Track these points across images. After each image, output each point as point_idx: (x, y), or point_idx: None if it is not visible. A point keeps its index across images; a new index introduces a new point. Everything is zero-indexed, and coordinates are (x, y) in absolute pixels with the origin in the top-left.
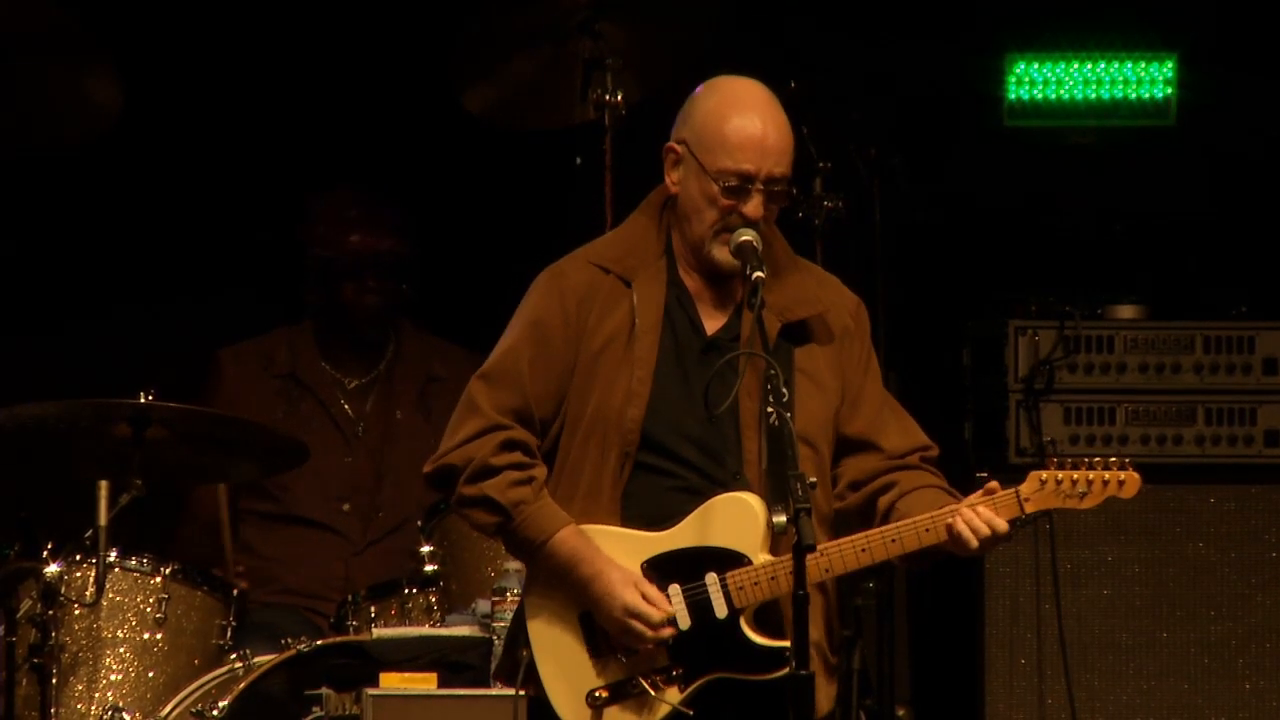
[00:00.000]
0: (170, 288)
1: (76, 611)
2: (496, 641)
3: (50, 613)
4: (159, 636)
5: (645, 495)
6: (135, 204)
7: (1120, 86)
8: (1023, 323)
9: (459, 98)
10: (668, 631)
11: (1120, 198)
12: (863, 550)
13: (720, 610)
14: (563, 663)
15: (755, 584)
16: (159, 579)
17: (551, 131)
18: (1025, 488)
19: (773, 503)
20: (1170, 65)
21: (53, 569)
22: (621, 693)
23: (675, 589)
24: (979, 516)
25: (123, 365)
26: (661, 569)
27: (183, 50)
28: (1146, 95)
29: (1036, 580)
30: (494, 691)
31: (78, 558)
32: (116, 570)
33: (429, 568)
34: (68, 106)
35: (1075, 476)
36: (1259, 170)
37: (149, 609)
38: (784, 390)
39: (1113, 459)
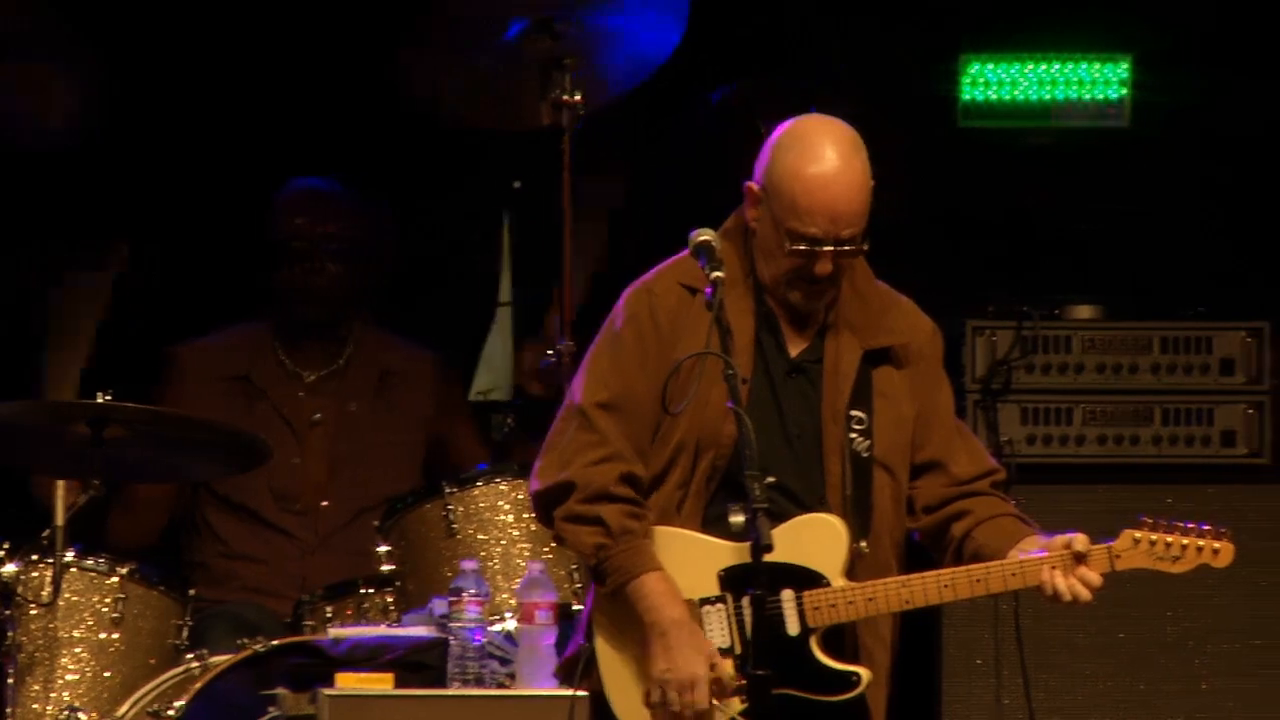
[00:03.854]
0: (127, 286)
1: (33, 611)
2: (453, 642)
3: (6, 612)
4: (115, 636)
5: (726, 511)
6: (94, 205)
7: (1075, 88)
8: (980, 323)
9: (410, 93)
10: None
11: (1076, 199)
12: (946, 586)
13: (793, 627)
14: (627, 660)
15: (832, 606)
16: (115, 579)
17: (509, 133)
18: (1119, 545)
19: (856, 530)
20: (1125, 66)
21: (9, 569)
22: None
23: (747, 601)
24: (1080, 580)
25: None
26: (737, 579)
27: (143, 50)
28: (1101, 96)
29: None
30: (451, 692)
31: (34, 557)
32: (73, 570)
33: (386, 567)
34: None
35: (1170, 540)
36: (1214, 171)
37: (105, 609)
38: (740, 388)
39: (1207, 527)
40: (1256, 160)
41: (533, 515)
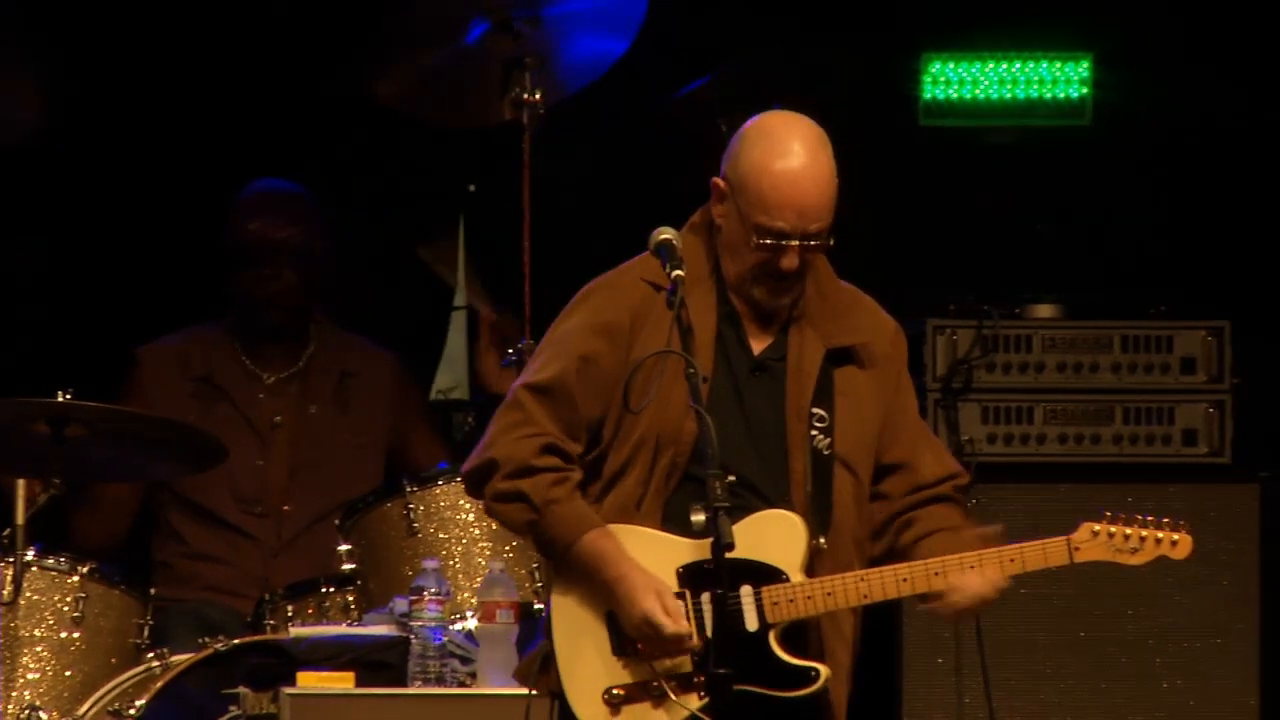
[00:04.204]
0: (89, 285)
1: None
2: (414, 641)
3: None
4: (76, 635)
5: (687, 506)
6: (54, 204)
7: (1036, 86)
8: (940, 322)
9: (371, 89)
10: (685, 642)
11: (1037, 197)
12: (904, 580)
13: (751, 623)
14: (585, 658)
15: (790, 601)
16: (76, 578)
17: (470, 130)
18: (1077, 537)
19: (815, 526)
20: (1086, 65)
21: None
22: (639, 694)
23: (708, 597)
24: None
25: (41, 363)
26: (696, 576)
27: (100, 50)
28: (1063, 95)
29: None
30: (412, 691)
31: None
32: (34, 569)
33: (346, 566)
34: None
35: (1129, 532)
36: (1175, 170)
37: (66, 608)
38: (701, 387)
39: (1166, 519)
40: (1217, 159)
41: None
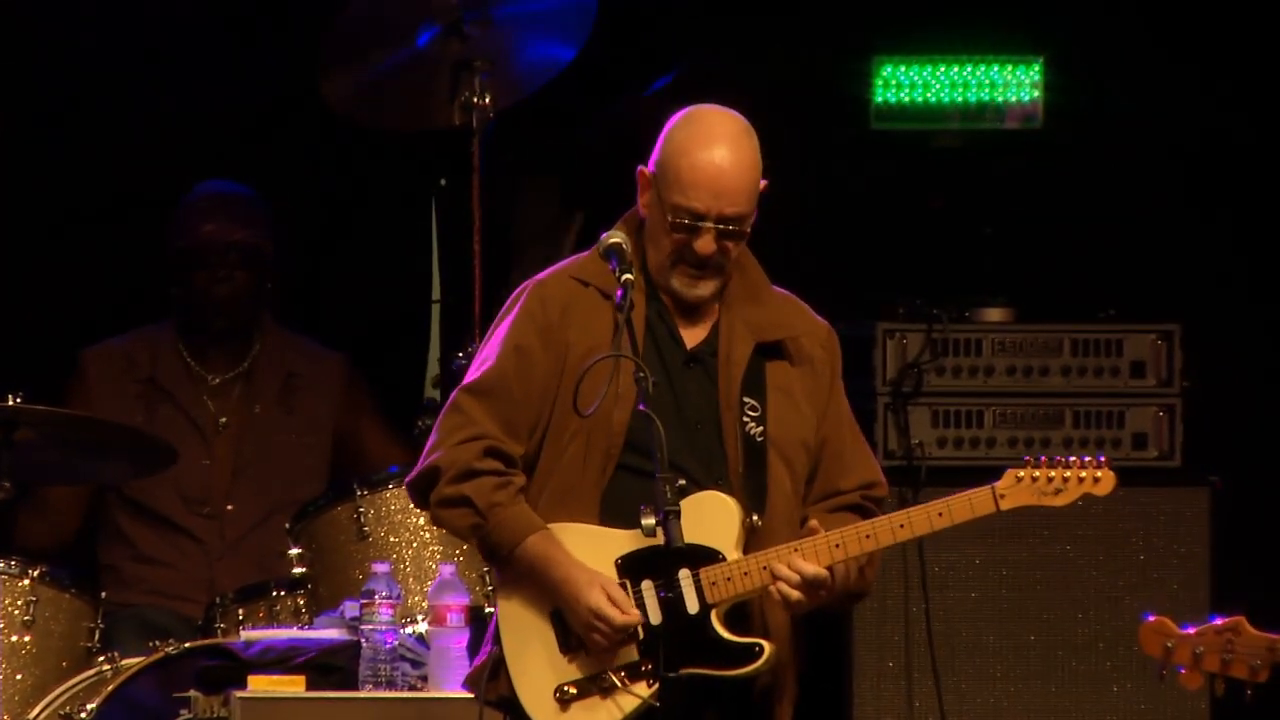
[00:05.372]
0: (36, 288)
1: None
2: (364, 644)
3: None
4: (27, 639)
5: (626, 495)
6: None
7: (988, 90)
8: (890, 325)
9: (320, 91)
10: (630, 631)
11: (988, 201)
12: (836, 546)
13: (692, 605)
14: (533, 659)
15: (728, 579)
16: (27, 581)
17: (420, 134)
18: (1001, 484)
19: (749, 507)
20: (1037, 69)
21: None
22: (590, 688)
23: (648, 584)
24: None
25: None
26: (635, 565)
27: (50, 48)
28: (1014, 98)
29: (905, 582)
30: (363, 694)
31: None
32: None
33: (297, 570)
34: None
35: (1051, 474)
36: (1126, 173)
37: (17, 611)
38: (650, 390)
39: (1089, 458)
40: (1167, 162)
41: None
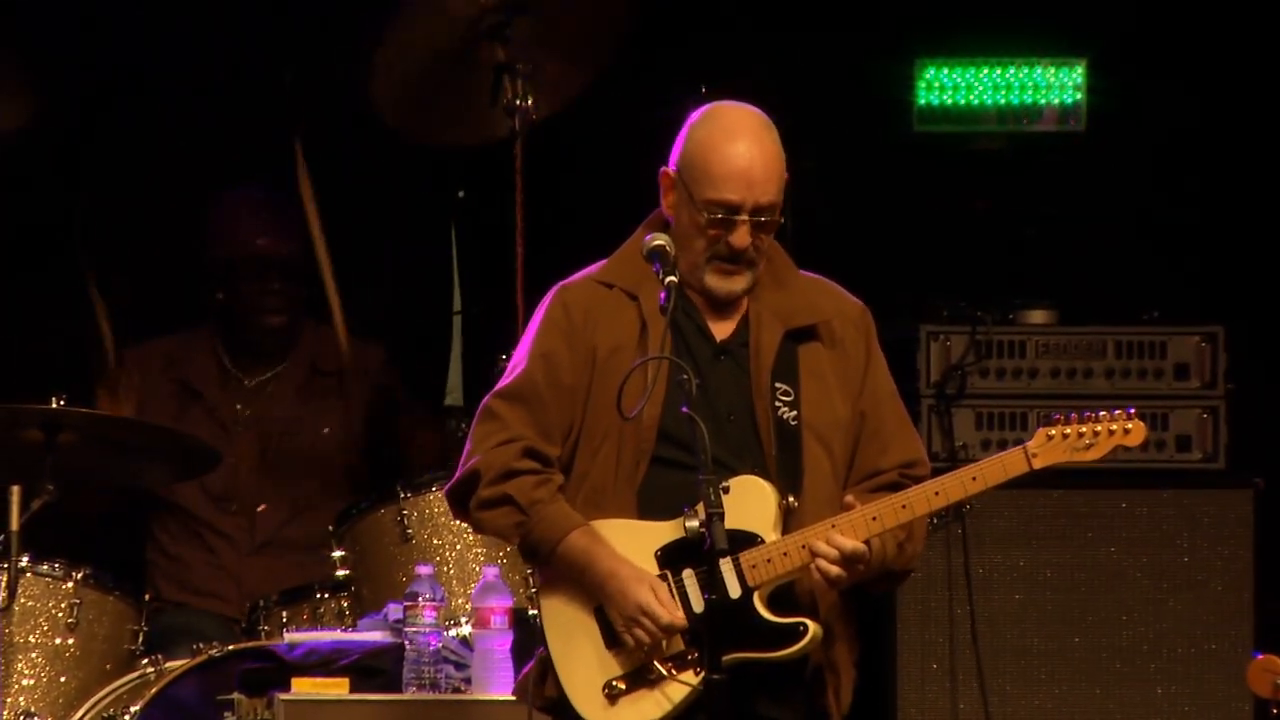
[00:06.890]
0: (79, 291)
1: None
2: (408, 647)
3: None
4: (70, 641)
5: (662, 488)
6: (43, 206)
7: (1030, 92)
8: (934, 328)
9: (378, 113)
10: (674, 632)
11: (1031, 203)
12: (874, 519)
13: (734, 590)
14: (580, 657)
15: (768, 561)
16: (71, 584)
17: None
18: (1033, 444)
19: (785, 489)
20: (1080, 70)
21: None
22: (638, 680)
23: (689, 573)
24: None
25: (31, 369)
26: (675, 555)
27: (96, 48)
28: (1057, 100)
29: (949, 585)
30: (407, 697)
31: None
32: (28, 575)
33: (340, 572)
34: None
35: (1082, 429)
36: (1169, 175)
37: (61, 614)
38: (693, 393)
39: (1118, 410)
40: (1212, 164)
41: None
